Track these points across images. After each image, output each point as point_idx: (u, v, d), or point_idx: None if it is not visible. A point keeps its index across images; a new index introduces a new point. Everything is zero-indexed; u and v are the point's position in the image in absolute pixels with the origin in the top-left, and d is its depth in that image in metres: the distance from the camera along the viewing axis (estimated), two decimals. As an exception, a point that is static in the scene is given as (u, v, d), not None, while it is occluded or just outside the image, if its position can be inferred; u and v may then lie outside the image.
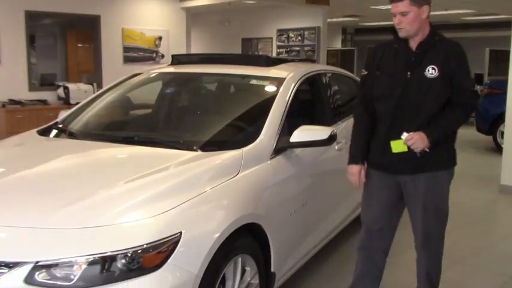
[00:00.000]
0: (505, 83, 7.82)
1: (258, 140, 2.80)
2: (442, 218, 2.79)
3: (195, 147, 2.74)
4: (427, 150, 2.60)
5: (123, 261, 1.96)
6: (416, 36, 2.62)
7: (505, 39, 8.27)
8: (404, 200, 2.79)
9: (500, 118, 8.10)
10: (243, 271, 2.52)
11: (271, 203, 2.67)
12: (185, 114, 3.57)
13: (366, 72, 2.81)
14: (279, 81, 3.25)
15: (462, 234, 4.29)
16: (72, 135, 3.18)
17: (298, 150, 3.01)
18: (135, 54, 9.22)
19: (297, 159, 3.01)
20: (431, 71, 2.59)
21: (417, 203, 2.74)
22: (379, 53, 2.77)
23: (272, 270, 2.73)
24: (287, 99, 3.12)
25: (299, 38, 10.73)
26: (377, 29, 17.48)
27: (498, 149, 8.15)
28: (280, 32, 11.29)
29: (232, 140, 2.96)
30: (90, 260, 1.94)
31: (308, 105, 3.66)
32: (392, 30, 2.68)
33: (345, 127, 3.77)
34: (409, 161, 2.65)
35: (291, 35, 10.93)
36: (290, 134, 2.91)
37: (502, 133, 8.17)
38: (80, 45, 9.77)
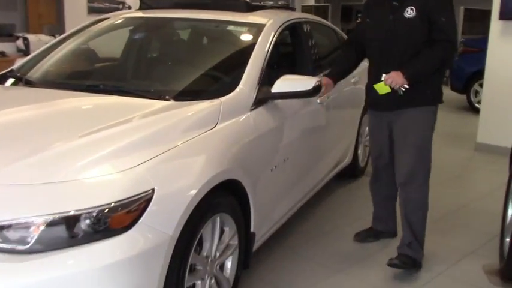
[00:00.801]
0: (480, 41, 7.76)
1: (237, 90, 2.56)
2: (425, 161, 2.92)
3: (167, 97, 2.48)
4: (407, 86, 2.72)
5: (88, 221, 1.73)
6: None
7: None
8: (393, 138, 2.96)
9: (475, 77, 8.04)
10: (222, 232, 2.32)
11: (251, 158, 2.46)
12: (156, 62, 3.28)
13: (359, 20, 3.11)
14: (258, 28, 2.98)
15: (440, 192, 4.18)
16: (29, 83, 2.86)
17: (280, 102, 2.78)
18: (100, 5, 8.69)
19: (278, 111, 2.78)
20: (409, 11, 2.77)
21: (402, 139, 2.90)
22: (370, 2, 3.02)
23: (252, 230, 2.54)
24: (267, 46, 2.86)
25: (271, 3, 10.30)
26: (350, -15, 17.12)
27: (471, 107, 8.13)
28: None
29: (208, 89, 2.71)
30: (48, 220, 1.69)
31: (289, 56, 3.42)
32: None
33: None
34: (393, 98, 2.80)
35: (264, -9, 10.49)
36: (271, 85, 2.67)
37: (476, 92, 8.15)
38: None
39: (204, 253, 2.19)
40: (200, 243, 2.17)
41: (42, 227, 1.68)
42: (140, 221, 1.80)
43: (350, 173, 4.47)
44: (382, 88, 2.77)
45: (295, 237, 3.35)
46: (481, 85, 7.76)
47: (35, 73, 3.00)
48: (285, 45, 3.38)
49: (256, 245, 2.68)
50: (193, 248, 2.05)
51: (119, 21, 3.50)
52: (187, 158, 2.09)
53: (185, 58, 3.16)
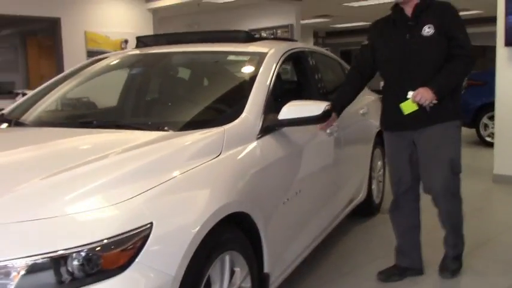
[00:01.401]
0: (484, 74, 7.66)
1: (241, 117, 2.36)
2: (457, 173, 2.94)
3: (166, 128, 2.28)
4: (436, 101, 2.69)
5: (76, 262, 1.49)
6: (411, 1, 2.82)
7: (479, 35, 8.19)
8: (419, 158, 2.89)
9: (482, 110, 7.88)
10: (232, 272, 2.06)
11: (260, 190, 2.22)
12: (155, 98, 3.11)
13: (367, 42, 3.02)
14: (260, 56, 2.82)
15: (465, 225, 3.90)
16: (20, 125, 2.68)
17: (288, 131, 2.58)
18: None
19: (287, 140, 2.58)
20: (427, 30, 2.77)
21: (431, 155, 2.86)
22: (379, 25, 3.02)
23: (265, 270, 2.27)
24: (271, 74, 2.69)
25: (271, 36, 10.37)
26: (348, 31, 17.35)
27: (482, 141, 7.91)
28: (253, 32, 10.88)
29: (211, 119, 2.51)
30: (30, 263, 1.45)
31: (294, 85, 3.26)
32: (378, 20, 3.03)
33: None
34: (418, 116, 2.74)
35: (264, 34, 10.56)
36: (278, 113, 2.48)
37: (485, 125, 7.96)
38: (41, 54, 9.18)
39: (214, 298, 1.93)
40: (208, 286, 1.91)
41: (22, 272, 1.44)
42: (137, 260, 1.56)
43: (365, 210, 4.22)
44: (408, 106, 2.71)
45: (312, 280, 3.06)
46: (489, 118, 7.62)
47: (26, 116, 2.82)
48: (289, 74, 3.22)
49: (273, 286, 2.41)
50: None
51: (116, 60, 3.36)
52: (189, 189, 1.86)
53: (185, 91, 2.99)
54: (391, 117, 2.94)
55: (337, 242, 3.69)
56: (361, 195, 3.98)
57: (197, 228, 1.74)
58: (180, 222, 1.73)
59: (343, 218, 3.68)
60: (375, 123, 4.20)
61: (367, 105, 4.11)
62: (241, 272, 2.09)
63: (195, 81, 3.14)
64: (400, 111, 2.73)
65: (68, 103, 2.99)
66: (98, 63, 3.27)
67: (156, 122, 2.49)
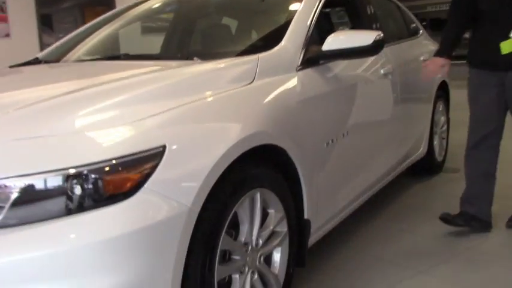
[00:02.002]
0: None
1: (279, 46, 2.10)
2: None
3: (195, 58, 2.06)
4: None
5: (76, 184, 1.31)
6: None
7: None
8: (508, 101, 2.69)
9: None
10: (265, 214, 1.84)
11: (299, 125, 1.97)
12: (190, 33, 2.88)
13: None
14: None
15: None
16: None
17: (335, 66, 2.30)
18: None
19: (333, 75, 2.29)
20: None
21: None
22: None
23: (306, 216, 2.03)
24: (316, 3, 2.40)
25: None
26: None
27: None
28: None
29: (245, 49, 2.25)
30: (25, 183, 1.29)
31: (343, 21, 2.93)
32: None
33: (391, 51, 3.03)
34: None
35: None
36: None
37: None
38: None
39: (242, 239, 1.71)
40: (236, 226, 1.70)
41: (16, 193, 1.28)
42: (146, 185, 1.36)
43: (426, 168, 3.86)
44: (509, 46, 2.58)
45: (363, 235, 2.79)
46: None
47: (60, 57, 2.69)
48: (338, 8, 2.90)
49: (313, 238, 2.16)
50: (225, 229, 1.58)
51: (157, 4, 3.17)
52: (211, 115, 1.63)
53: (222, 22, 2.74)
54: (483, 54, 2.72)
55: (395, 199, 3.39)
56: (421, 151, 3.62)
57: (217, 158, 1.51)
58: (197, 150, 1.51)
59: (400, 174, 3.36)
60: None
61: (428, 53, 3.71)
62: (276, 214, 1.86)
63: (234, 11, 2.86)
64: (495, 49, 2.59)
65: (102, 46, 2.83)
66: (138, 7, 3.09)
67: (185, 52, 2.27)
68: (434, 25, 12.74)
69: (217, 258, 1.55)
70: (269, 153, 1.83)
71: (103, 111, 1.51)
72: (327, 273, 2.36)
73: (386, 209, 3.20)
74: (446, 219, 2.79)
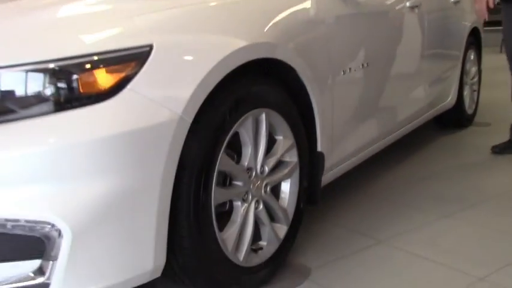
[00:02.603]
0: None
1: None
2: None
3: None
4: None
5: (54, 79, 1.15)
6: None
7: None
8: None
9: None
10: (272, 141, 1.66)
11: (312, 45, 1.77)
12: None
13: None
14: None
15: None
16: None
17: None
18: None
19: (355, 1, 2.07)
20: None
21: None
22: None
23: (319, 149, 1.84)
24: None
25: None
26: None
27: None
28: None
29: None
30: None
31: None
32: None
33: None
34: None
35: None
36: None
37: None
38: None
39: (245, 163, 1.54)
40: (238, 149, 1.53)
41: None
42: (129, 86, 1.20)
43: (455, 120, 3.61)
44: None
45: (383, 182, 2.60)
46: None
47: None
48: None
49: (328, 176, 1.98)
50: (223, 148, 1.41)
51: None
52: (212, 19, 1.45)
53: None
54: None
55: (419, 148, 3.17)
56: (449, 100, 3.37)
57: (212, 65, 1.33)
58: (190, 55, 1.33)
59: (427, 125, 3.14)
60: (469, 18, 3.54)
61: (461, -5, 3.44)
62: (284, 141, 1.68)
63: None
64: None
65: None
66: None
67: None
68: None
69: (214, 179, 1.39)
70: (278, 72, 1.65)
71: (90, 5, 1.34)
72: (341, 214, 2.18)
73: (409, 157, 2.99)
74: (497, 150, 2.74)
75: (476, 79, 3.86)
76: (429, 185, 2.52)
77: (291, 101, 1.68)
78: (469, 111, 3.75)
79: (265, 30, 1.55)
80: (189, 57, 1.32)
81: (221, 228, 1.47)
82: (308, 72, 1.71)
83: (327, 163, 1.92)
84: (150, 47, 1.25)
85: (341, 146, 2.03)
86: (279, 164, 1.69)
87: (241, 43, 1.43)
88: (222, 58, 1.35)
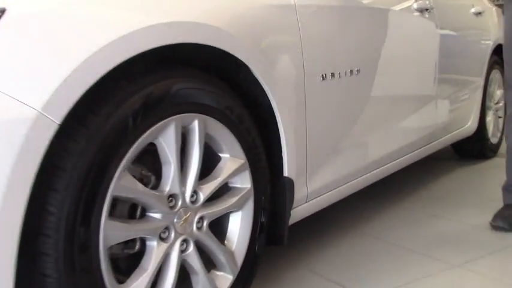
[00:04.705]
0: None
1: None
2: None
3: None
4: None
5: None
6: None
7: None
8: None
9: None
10: (212, 157, 1.24)
11: (275, 37, 1.36)
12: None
13: None
14: None
15: None
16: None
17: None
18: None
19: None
20: None
21: None
22: None
23: (286, 174, 1.41)
24: None
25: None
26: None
27: None
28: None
29: None
30: None
31: None
32: None
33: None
34: None
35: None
36: None
37: None
38: None
39: (165, 188, 1.11)
40: (158, 171, 1.11)
41: None
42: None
43: (476, 149, 3.13)
44: None
45: (381, 218, 2.13)
46: None
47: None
48: None
49: (302, 210, 1.53)
50: (123, 164, 0.99)
51: None
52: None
53: None
54: None
55: (430, 180, 2.69)
56: (469, 125, 2.90)
57: (94, 50, 0.91)
58: (62, 29, 0.93)
59: (442, 153, 2.68)
60: (493, 33, 3.09)
61: (482, 6, 3.00)
62: (232, 161, 1.25)
63: None
64: None
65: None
66: None
67: None
68: None
69: (105, 208, 0.96)
70: (228, 69, 1.24)
71: None
72: (318, 258, 1.72)
73: (417, 190, 2.52)
74: (501, 224, 1.97)
75: (501, 104, 3.38)
76: (439, 226, 2.04)
77: (242, 108, 1.26)
78: (493, 140, 3.26)
79: (199, 7, 1.15)
80: (62, 34, 0.92)
81: (122, 280, 1.04)
82: (268, 71, 1.30)
83: (299, 193, 1.48)
84: (2, 11, 0.86)
85: (321, 170, 1.59)
86: (225, 191, 1.27)
87: (149, 21, 1.02)
88: (114, 40, 0.94)
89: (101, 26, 0.95)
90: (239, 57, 1.21)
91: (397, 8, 2.01)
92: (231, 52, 1.19)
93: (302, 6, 1.45)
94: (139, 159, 1.07)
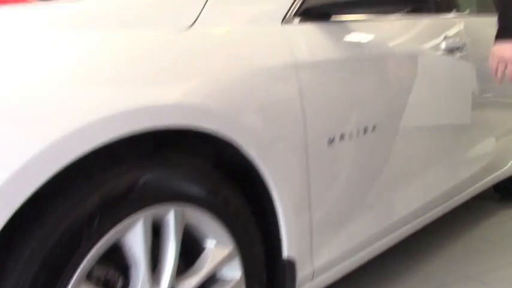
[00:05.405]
0: None
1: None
2: None
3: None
4: None
5: None
6: None
7: None
8: None
9: None
10: (196, 247, 1.08)
11: (272, 106, 1.20)
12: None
13: None
14: None
15: None
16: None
17: (363, 27, 1.51)
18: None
19: (356, 39, 1.49)
20: None
21: None
22: None
23: (285, 254, 1.24)
24: None
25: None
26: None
27: None
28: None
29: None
30: None
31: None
32: None
33: (466, 23, 2.15)
34: None
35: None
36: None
37: None
38: None
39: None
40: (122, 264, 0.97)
41: None
42: None
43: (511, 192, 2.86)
44: None
45: (406, 283, 1.92)
46: None
47: None
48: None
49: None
50: (77, 274, 0.85)
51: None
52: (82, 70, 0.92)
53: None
54: None
55: (464, 230, 2.44)
56: (507, 168, 2.64)
57: (58, 136, 0.79)
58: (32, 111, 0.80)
59: (480, 195, 2.43)
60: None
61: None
62: (217, 249, 1.09)
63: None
64: None
65: None
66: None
67: None
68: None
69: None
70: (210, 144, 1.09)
71: None
72: None
73: (447, 246, 2.27)
74: None
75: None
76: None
77: (229, 189, 1.11)
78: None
79: (178, 83, 1.00)
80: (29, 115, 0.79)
81: None
82: (262, 144, 1.14)
83: (303, 271, 1.31)
84: None
85: (330, 243, 1.42)
86: (212, 284, 1.11)
87: (120, 107, 0.87)
88: (66, 134, 0.81)
89: (55, 118, 0.82)
90: (223, 136, 1.05)
91: (421, 51, 1.81)
92: (224, 134, 1.04)
93: (303, 64, 1.28)
94: (106, 255, 0.93)
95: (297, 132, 1.24)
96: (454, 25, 2.06)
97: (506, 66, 1.73)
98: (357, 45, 1.52)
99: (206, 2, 1.17)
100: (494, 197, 2.91)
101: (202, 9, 1.14)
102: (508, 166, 2.63)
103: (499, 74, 1.76)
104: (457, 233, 2.41)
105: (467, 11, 2.30)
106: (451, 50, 1.94)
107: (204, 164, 1.08)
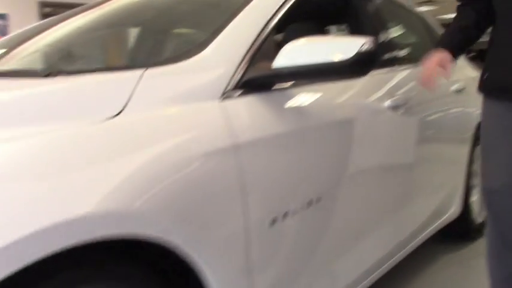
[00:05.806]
0: None
1: (198, 56, 1.29)
2: None
3: (50, 73, 1.26)
4: None
5: None
6: None
7: None
8: None
9: None
10: None
11: (210, 198, 1.12)
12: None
13: None
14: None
15: None
16: None
17: (303, 93, 1.47)
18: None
19: (297, 110, 1.45)
20: None
21: None
22: None
23: None
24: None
25: None
26: None
27: None
28: None
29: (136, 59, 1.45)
30: None
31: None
32: None
33: (409, 76, 2.17)
34: None
35: None
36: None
37: None
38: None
39: None
40: None
41: None
42: None
43: (461, 232, 2.90)
44: None
45: None
46: None
47: None
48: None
49: None
50: None
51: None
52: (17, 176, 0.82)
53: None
54: (505, 75, 1.71)
55: (411, 273, 2.44)
56: (453, 210, 2.68)
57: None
58: None
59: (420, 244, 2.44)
60: (475, 108, 2.89)
61: (464, 80, 2.81)
62: None
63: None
64: None
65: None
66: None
67: (51, 65, 1.48)
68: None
69: None
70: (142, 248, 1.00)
71: None
72: None
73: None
74: None
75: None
76: None
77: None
78: (479, 219, 3.04)
79: (132, 185, 0.91)
80: None
81: None
82: (193, 239, 1.06)
83: None
84: None
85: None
86: None
87: (77, 212, 0.78)
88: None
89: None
90: (150, 237, 0.97)
91: (364, 112, 1.78)
92: (162, 238, 0.96)
93: (244, 144, 1.22)
94: None
95: (236, 219, 1.17)
96: (397, 79, 2.07)
97: (433, 69, 1.80)
98: (300, 112, 1.47)
99: (136, 85, 1.09)
100: (437, 238, 2.94)
101: (131, 95, 1.06)
102: (450, 213, 2.67)
103: (428, 79, 1.82)
104: (403, 278, 2.40)
105: (410, 64, 2.31)
106: (395, 107, 1.94)
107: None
